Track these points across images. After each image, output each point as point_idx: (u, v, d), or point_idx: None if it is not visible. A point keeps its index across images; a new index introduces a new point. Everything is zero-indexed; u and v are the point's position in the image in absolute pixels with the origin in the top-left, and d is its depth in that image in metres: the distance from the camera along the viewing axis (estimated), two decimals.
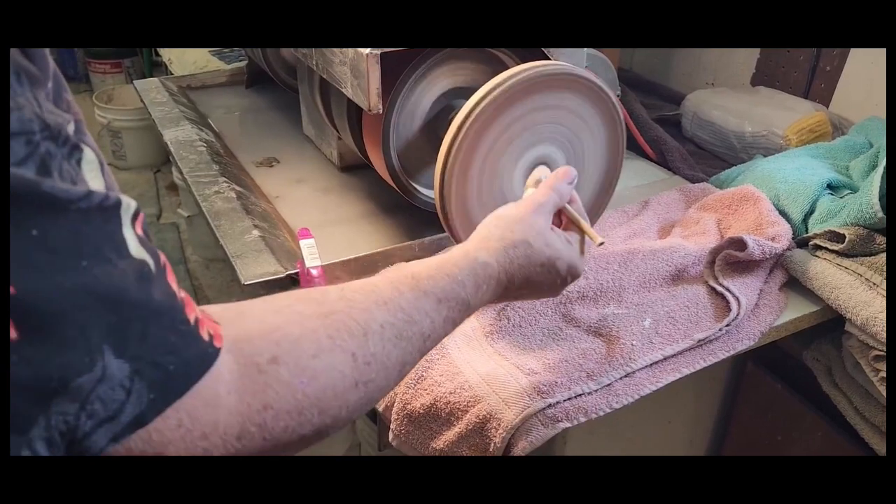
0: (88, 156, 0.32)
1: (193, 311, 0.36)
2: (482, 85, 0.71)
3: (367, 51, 0.74)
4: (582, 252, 0.66)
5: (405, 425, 0.75)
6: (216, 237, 0.89)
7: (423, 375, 0.74)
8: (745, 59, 1.35)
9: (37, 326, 0.28)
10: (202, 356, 0.35)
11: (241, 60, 1.70)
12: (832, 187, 0.94)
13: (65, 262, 0.29)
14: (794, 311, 0.84)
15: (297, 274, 0.83)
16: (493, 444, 0.68)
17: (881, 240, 0.82)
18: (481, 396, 0.70)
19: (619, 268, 0.84)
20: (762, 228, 0.88)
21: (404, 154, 0.89)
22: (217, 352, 0.36)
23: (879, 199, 0.82)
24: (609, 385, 0.71)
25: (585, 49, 0.88)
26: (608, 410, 0.69)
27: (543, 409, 0.68)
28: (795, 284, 0.87)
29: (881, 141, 0.97)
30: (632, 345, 0.74)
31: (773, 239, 0.86)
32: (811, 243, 0.87)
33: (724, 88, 1.31)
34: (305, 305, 0.44)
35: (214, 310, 0.40)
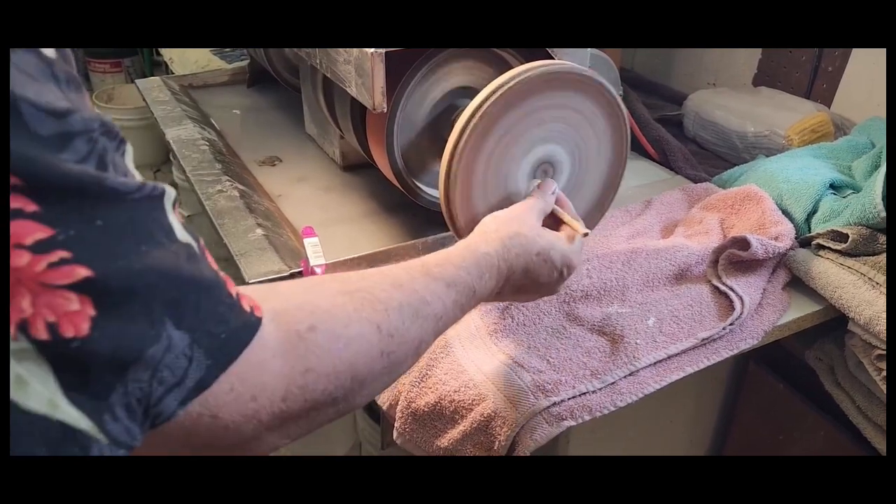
0: (129, 148, 0.35)
1: (234, 287, 0.39)
2: (486, 84, 0.71)
3: (371, 50, 0.74)
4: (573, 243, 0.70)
5: (410, 423, 0.75)
6: (220, 236, 0.89)
7: (427, 374, 0.75)
8: (747, 59, 1.35)
9: (112, 304, 0.31)
10: (247, 325, 0.39)
11: (242, 60, 1.70)
12: (835, 187, 0.94)
13: (129, 248, 0.32)
14: (797, 311, 0.84)
15: (300, 272, 0.83)
16: (497, 443, 0.68)
17: (884, 239, 0.82)
18: (486, 395, 0.70)
19: (623, 267, 0.84)
20: (765, 228, 0.89)
21: (408, 153, 0.89)
22: (259, 321, 0.39)
23: (882, 199, 0.82)
24: (613, 384, 0.71)
25: (589, 50, 0.88)
26: (612, 409, 0.69)
27: (548, 407, 0.68)
28: (798, 284, 0.87)
29: (883, 141, 0.97)
30: (636, 343, 0.74)
31: (776, 238, 0.86)
32: (814, 243, 0.87)
33: (726, 89, 1.31)
34: (331, 284, 0.48)
35: (248, 290, 0.42)
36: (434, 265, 0.55)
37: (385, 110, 0.78)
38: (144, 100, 1.31)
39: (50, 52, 0.32)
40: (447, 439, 0.72)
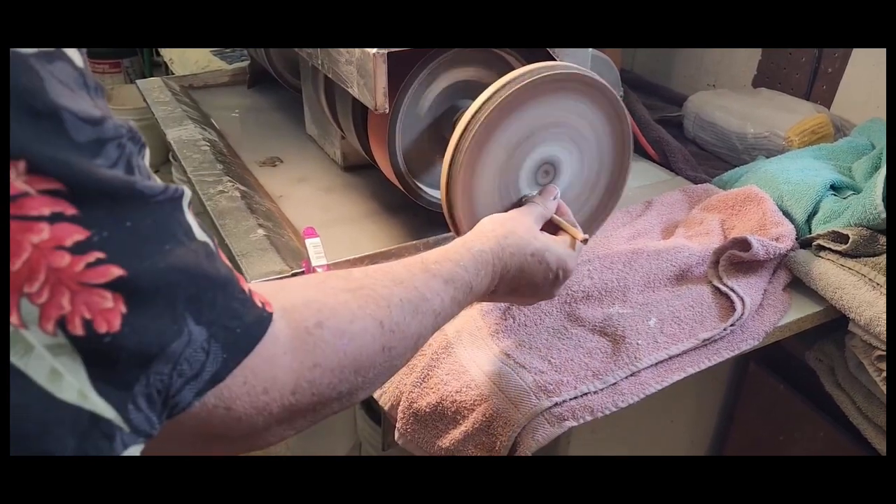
0: (147, 151, 0.36)
1: (245, 284, 0.40)
2: (488, 86, 0.71)
3: (373, 50, 0.74)
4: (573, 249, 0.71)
5: (411, 424, 0.75)
6: (221, 236, 0.89)
7: (428, 374, 0.75)
8: (747, 60, 1.35)
9: (141, 301, 0.33)
10: (260, 320, 0.40)
11: (242, 60, 1.70)
12: (835, 188, 0.94)
13: (155, 247, 0.34)
14: (798, 312, 0.84)
15: (302, 273, 0.83)
16: (499, 443, 0.68)
17: (884, 240, 0.83)
18: (487, 395, 0.70)
19: (624, 268, 0.85)
20: (766, 229, 0.89)
21: (409, 154, 0.89)
22: (271, 316, 0.41)
23: (883, 200, 0.82)
24: (615, 384, 0.71)
25: (590, 51, 0.88)
26: (614, 409, 0.69)
27: (549, 407, 0.68)
28: (799, 285, 0.87)
29: (883, 142, 0.97)
30: (637, 344, 0.74)
31: (776, 239, 0.86)
32: (814, 244, 0.87)
33: (726, 90, 1.32)
34: (336, 281, 0.49)
35: (257, 287, 0.43)
36: (433, 262, 0.57)
37: (387, 111, 0.78)
38: (145, 100, 1.32)
39: (80, 62, 0.33)
40: (449, 440, 0.72)
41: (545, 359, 0.73)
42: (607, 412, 0.69)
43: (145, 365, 0.34)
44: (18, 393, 0.30)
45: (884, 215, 0.82)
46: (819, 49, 1.21)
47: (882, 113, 1.12)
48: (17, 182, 0.29)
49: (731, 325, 0.77)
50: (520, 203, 0.75)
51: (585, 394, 0.70)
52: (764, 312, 0.81)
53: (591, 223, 0.84)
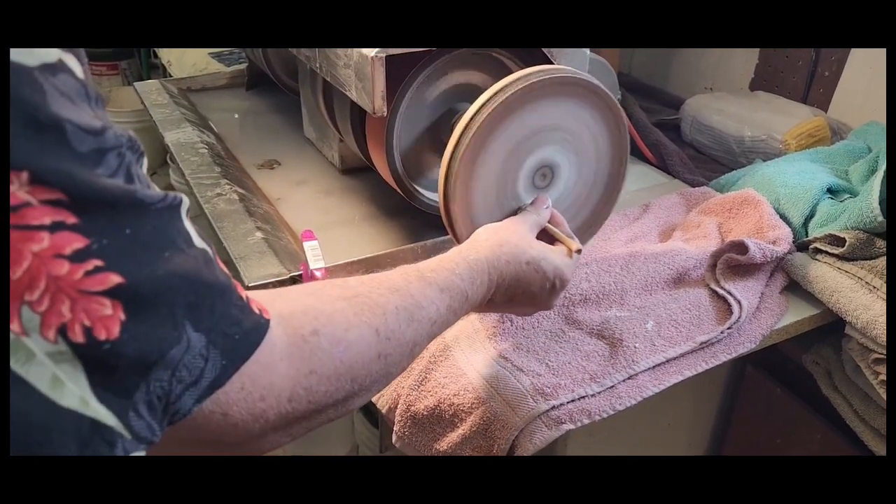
0: (146, 160, 0.37)
1: (243, 291, 0.41)
2: (486, 89, 0.71)
3: (372, 54, 0.74)
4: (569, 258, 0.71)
5: (409, 427, 0.75)
6: (219, 239, 0.89)
7: (426, 377, 0.75)
8: (744, 63, 1.36)
9: (140, 308, 0.33)
10: (258, 326, 0.40)
11: (241, 63, 1.70)
12: (832, 191, 0.94)
13: (154, 255, 0.34)
14: (795, 315, 0.84)
15: (300, 276, 0.83)
16: (496, 446, 0.68)
17: (881, 243, 0.83)
18: (485, 398, 0.70)
19: (621, 271, 0.85)
20: (763, 232, 0.89)
21: (407, 157, 0.89)
22: (268, 322, 0.41)
23: (879, 204, 0.82)
24: (612, 387, 0.71)
25: (588, 54, 0.88)
26: (611, 412, 0.69)
27: (547, 410, 0.68)
28: (796, 288, 0.88)
29: (880, 145, 0.97)
30: (634, 347, 0.74)
31: (773, 242, 0.86)
32: (811, 247, 0.88)
33: (723, 93, 1.32)
34: (332, 289, 0.50)
35: (254, 295, 0.43)
36: (428, 271, 0.57)
37: (385, 114, 0.78)
38: (143, 103, 1.31)
39: (81, 73, 0.34)
40: (446, 443, 0.72)
41: (543, 362, 0.73)
42: (605, 415, 0.69)
43: (145, 372, 0.34)
44: (20, 400, 0.30)
45: (880, 219, 0.82)
46: (816, 52, 1.21)
47: (879, 116, 1.12)
48: (20, 192, 0.29)
49: (729, 329, 0.77)
50: (514, 212, 0.75)
51: (583, 397, 0.70)
52: (761, 315, 0.82)
53: (589, 226, 0.84)
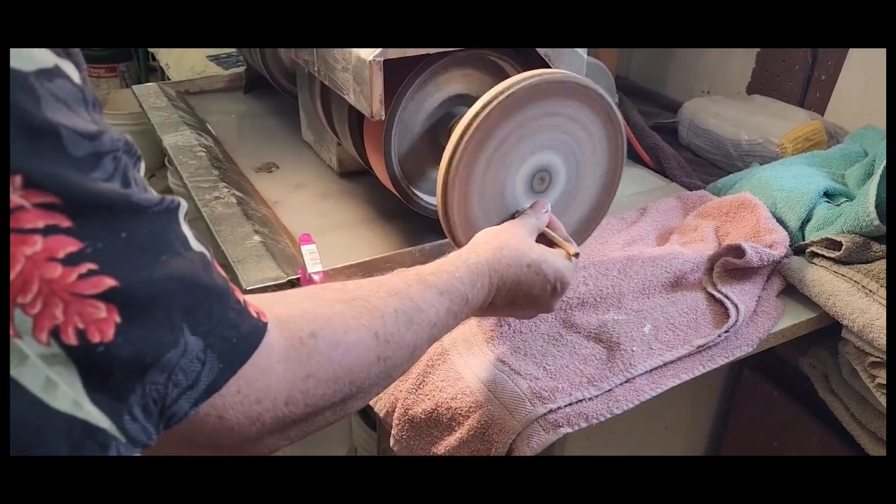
0: (143, 163, 0.37)
1: (241, 294, 0.41)
2: (484, 92, 0.71)
3: (370, 58, 0.74)
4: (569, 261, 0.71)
5: (406, 431, 0.75)
6: (217, 242, 0.89)
7: (424, 381, 0.75)
8: (741, 67, 1.36)
9: (136, 311, 0.33)
10: (255, 330, 0.40)
11: (239, 66, 1.70)
12: (829, 195, 0.95)
13: (150, 258, 0.34)
14: (792, 318, 0.85)
15: (298, 279, 0.83)
16: (494, 450, 0.69)
17: (877, 247, 0.83)
18: (482, 402, 0.70)
19: (619, 274, 0.85)
20: (760, 236, 0.89)
21: (405, 160, 0.89)
22: (266, 326, 0.41)
23: (875, 207, 0.83)
24: (610, 391, 0.71)
25: (585, 57, 0.88)
26: (609, 416, 0.69)
27: (545, 414, 0.68)
28: (792, 291, 0.88)
29: (876, 149, 0.98)
30: (632, 350, 0.75)
31: (770, 246, 0.87)
32: (808, 251, 0.88)
33: (720, 97, 1.32)
34: (330, 293, 0.50)
35: (250, 299, 0.43)
36: (428, 274, 0.57)
37: (383, 118, 0.78)
38: (141, 106, 1.31)
39: (78, 79, 0.34)
40: (444, 446, 0.72)
41: (540, 365, 0.74)
42: (602, 419, 0.69)
43: (141, 375, 0.34)
44: (13, 402, 0.30)
45: (876, 222, 0.82)
46: (813, 57, 1.22)
47: (875, 120, 1.12)
48: (14, 196, 0.30)
49: (726, 332, 0.78)
50: (513, 216, 0.76)
51: (580, 400, 0.70)
52: (758, 319, 0.82)
53: (586, 228, 0.85)
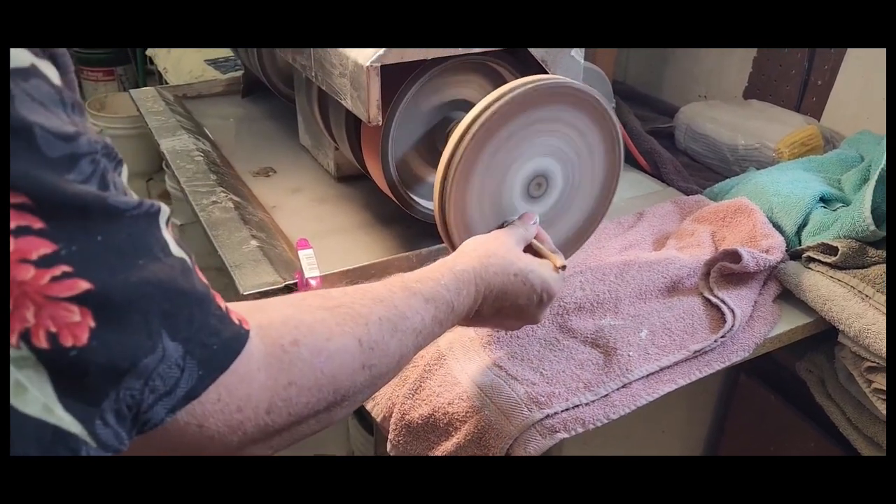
0: (125, 168, 0.37)
1: (222, 301, 0.40)
2: (481, 98, 0.71)
3: (367, 63, 0.74)
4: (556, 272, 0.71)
5: (403, 436, 0.75)
6: (214, 247, 0.89)
7: (421, 386, 0.75)
8: (738, 72, 1.36)
9: (111, 316, 0.33)
10: (237, 337, 0.40)
11: (236, 70, 1.70)
12: (825, 200, 0.95)
13: (127, 262, 0.34)
14: (788, 323, 0.85)
15: (295, 284, 0.83)
16: (491, 455, 0.69)
17: (873, 252, 0.83)
18: (479, 407, 0.70)
19: (615, 279, 0.85)
20: (756, 241, 0.89)
21: (402, 165, 0.89)
22: (248, 333, 0.41)
23: (872, 212, 0.83)
24: (606, 396, 0.71)
25: (582, 63, 0.88)
26: (605, 421, 0.69)
27: (541, 419, 0.68)
28: (789, 296, 0.88)
29: (873, 154, 0.98)
30: (628, 356, 0.75)
31: (767, 251, 0.87)
32: (804, 256, 0.88)
33: (717, 101, 1.33)
34: (313, 300, 0.49)
35: (233, 306, 0.43)
36: (413, 281, 0.57)
37: (380, 123, 0.78)
38: (139, 110, 1.31)
39: (56, 80, 0.33)
40: (441, 451, 0.72)
41: (537, 370, 0.74)
42: (599, 424, 0.69)
43: (116, 380, 0.33)
44: None
45: (872, 227, 0.82)
46: (809, 62, 1.22)
47: (871, 125, 1.13)
48: None
49: (722, 337, 0.78)
50: (501, 226, 0.76)
51: (577, 405, 0.70)
52: (754, 324, 0.82)
53: (583, 233, 0.85)
